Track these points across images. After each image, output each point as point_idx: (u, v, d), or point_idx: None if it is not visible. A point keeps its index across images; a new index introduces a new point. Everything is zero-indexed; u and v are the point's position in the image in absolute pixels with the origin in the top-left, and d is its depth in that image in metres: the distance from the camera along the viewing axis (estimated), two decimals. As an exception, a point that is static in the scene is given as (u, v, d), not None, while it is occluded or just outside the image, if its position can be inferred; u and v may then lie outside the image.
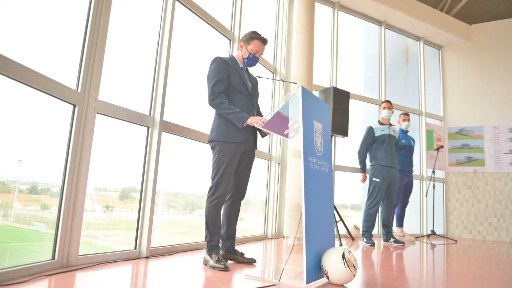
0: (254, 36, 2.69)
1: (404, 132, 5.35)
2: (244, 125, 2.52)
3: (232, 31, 4.09)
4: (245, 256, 2.73)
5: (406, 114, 5.40)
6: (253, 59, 2.72)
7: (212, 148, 2.63)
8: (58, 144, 2.19)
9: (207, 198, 2.55)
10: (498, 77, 6.91)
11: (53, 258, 2.10)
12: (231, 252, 2.71)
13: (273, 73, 4.95)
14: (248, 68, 2.82)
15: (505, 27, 7.02)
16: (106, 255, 2.46)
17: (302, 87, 2.20)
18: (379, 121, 4.86)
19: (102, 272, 2.14)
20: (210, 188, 2.55)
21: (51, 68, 2.09)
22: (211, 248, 2.51)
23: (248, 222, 4.66)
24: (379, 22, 6.64)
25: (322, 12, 5.85)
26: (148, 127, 2.87)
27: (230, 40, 4.04)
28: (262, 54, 2.76)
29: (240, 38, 2.83)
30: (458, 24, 7.13)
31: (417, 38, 7.20)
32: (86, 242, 2.45)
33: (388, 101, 4.87)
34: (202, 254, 2.69)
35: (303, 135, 2.13)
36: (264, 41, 2.71)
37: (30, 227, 2.16)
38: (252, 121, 2.49)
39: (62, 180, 2.17)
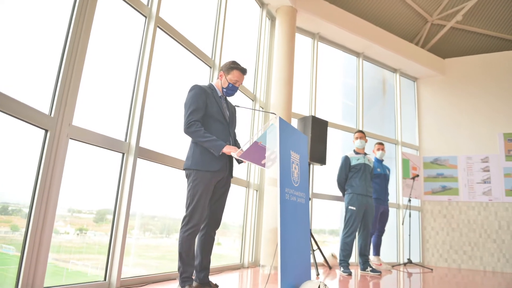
0: (234, 66, 2.71)
1: (379, 161, 5.44)
2: (220, 153, 2.51)
3: (213, 58, 4.13)
4: (219, 288, 2.66)
5: (381, 144, 5.52)
6: (232, 89, 2.73)
7: (187, 176, 2.59)
8: (30, 165, 2.12)
9: (181, 228, 2.49)
10: (470, 109, 7.18)
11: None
12: (205, 284, 2.63)
13: (253, 101, 4.99)
14: (227, 96, 2.84)
15: (477, 62, 7.36)
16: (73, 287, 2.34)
17: (280, 118, 2.22)
18: (354, 150, 4.94)
19: (66, 306, 2.04)
20: (184, 218, 2.50)
21: (23, 91, 2.04)
22: (184, 280, 2.44)
23: (226, 247, 4.57)
24: (357, 54, 6.85)
25: (302, 42, 5.99)
26: (123, 153, 2.81)
27: (210, 67, 4.07)
28: (241, 83, 2.78)
29: (220, 66, 2.85)
30: (432, 58, 7.43)
31: (394, 70, 7.45)
32: (57, 267, 2.34)
33: (361, 131, 4.97)
34: (175, 285, 2.61)
35: (279, 166, 2.13)
36: (243, 71, 2.73)
37: (-1, 249, 2.05)
38: (228, 150, 2.48)
39: (30, 205, 2.08)
